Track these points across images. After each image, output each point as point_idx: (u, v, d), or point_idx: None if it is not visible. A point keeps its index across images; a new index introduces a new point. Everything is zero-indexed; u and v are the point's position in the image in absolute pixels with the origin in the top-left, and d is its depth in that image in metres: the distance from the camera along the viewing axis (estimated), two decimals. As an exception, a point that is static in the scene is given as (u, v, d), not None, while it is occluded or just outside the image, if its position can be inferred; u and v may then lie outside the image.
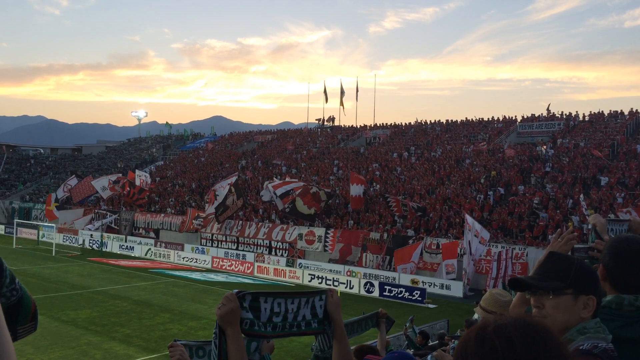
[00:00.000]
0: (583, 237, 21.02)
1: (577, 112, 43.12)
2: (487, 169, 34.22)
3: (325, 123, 59.84)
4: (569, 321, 1.83)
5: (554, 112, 44.12)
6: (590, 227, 3.00)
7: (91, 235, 42.55)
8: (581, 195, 26.08)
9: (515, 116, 45.88)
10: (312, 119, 63.56)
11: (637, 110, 40.63)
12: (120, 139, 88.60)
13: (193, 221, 37.45)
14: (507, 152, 35.90)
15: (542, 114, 44.60)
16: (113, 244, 40.52)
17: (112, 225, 43.93)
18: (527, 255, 25.02)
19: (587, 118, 41.79)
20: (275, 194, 34.47)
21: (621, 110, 41.28)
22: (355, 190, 33.51)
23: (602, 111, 42.29)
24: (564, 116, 42.92)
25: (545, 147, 35.72)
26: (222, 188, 36.51)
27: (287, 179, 37.04)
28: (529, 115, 45.17)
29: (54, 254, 36.87)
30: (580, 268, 1.89)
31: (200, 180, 46.71)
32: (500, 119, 46.37)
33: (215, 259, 34.48)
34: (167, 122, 78.12)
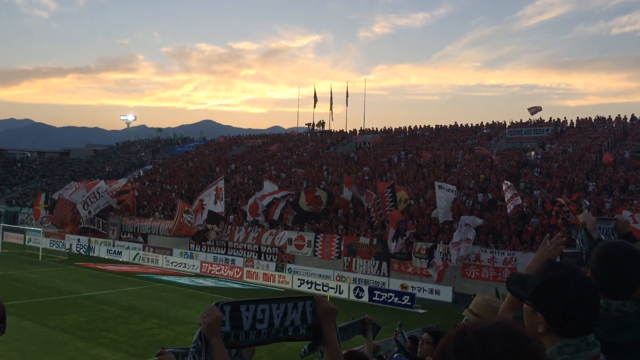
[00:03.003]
0: (571, 242, 21.15)
1: (565, 117, 43.56)
2: (477, 173, 34.40)
3: (315, 128, 59.89)
4: (531, 329, 1.82)
5: (542, 118, 44.50)
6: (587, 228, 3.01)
7: (78, 239, 42.19)
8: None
9: (505, 121, 46.23)
10: (302, 124, 63.61)
11: (624, 116, 41.14)
12: (109, 143, 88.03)
13: (183, 214, 36.98)
14: (494, 158, 36.11)
15: (530, 119, 44.94)
16: (101, 249, 40.21)
17: (96, 226, 43.34)
18: (515, 260, 25.17)
19: (575, 124, 42.21)
20: (262, 205, 34.11)
21: (609, 116, 41.79)
22: (347, 194, 33.60)
23: (590, 117, 42.72)
24: (553, 122, 43.31)
25: (534, 152, 35.99)
26: (209, 196, 36.24)
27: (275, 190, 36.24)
28: (518, 120, 45.52)
29: (40, 259, 36.51)
30: (544, 285, 1.80)
31: (190, 184, 46.52)
32: (490, 124, 46.70)
33: (204, 264, 34.33)
34: (158, 128, 77.86)
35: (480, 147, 38.97)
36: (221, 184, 36.17)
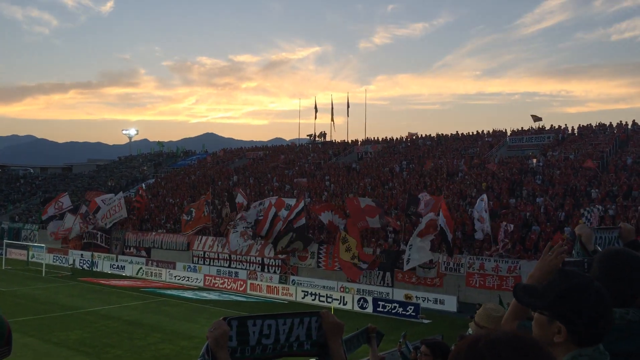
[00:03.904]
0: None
1: (565, 125, 43.61)
2: (479, 182, 34.38)
3: (317, 139, 59.98)
4: (544, 339, 1.81)
5: (543, 125, 44.55)
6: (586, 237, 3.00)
7: (81, 255, 42.15)
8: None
9: (506, 129, 46.28)
10: (304, 135, 63.73)
11: (625, 122, 41.15)
12: (111, 157, 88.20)
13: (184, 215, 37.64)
14: (490, 167, 36.09)
15: (531, 127, 45.02)
16: (104, 264, 40.16)
17: (99, 241, 43.30)
18: (520, 268, 25.06)
19: (576, 131, 42.23)
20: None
21: (610, 122, 41.81)
22: (326, 217, 30.95)
23: (591, 124, 42.75)
24: (554, 129, 43.35)
25: (536, 159, 35.98)
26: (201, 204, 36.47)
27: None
28: (519, 128, 45.56)
29: (44, 275, 36.46)
30: (566, 293, 1.80)
31: (193, 198, 46.50)
32: (491, 132, 46.74)
33: (207, 277, 34.23)
34: (159, 142, 78.03)
35: (487, 160, 38.79)
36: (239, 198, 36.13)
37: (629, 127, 40.32)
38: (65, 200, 45.79)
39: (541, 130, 43.78)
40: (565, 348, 1.77)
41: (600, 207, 25.82)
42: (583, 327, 1.75)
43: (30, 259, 42.58)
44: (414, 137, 50.37)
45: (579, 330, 1.76)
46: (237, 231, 31.95)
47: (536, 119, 44.04)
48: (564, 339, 1.77)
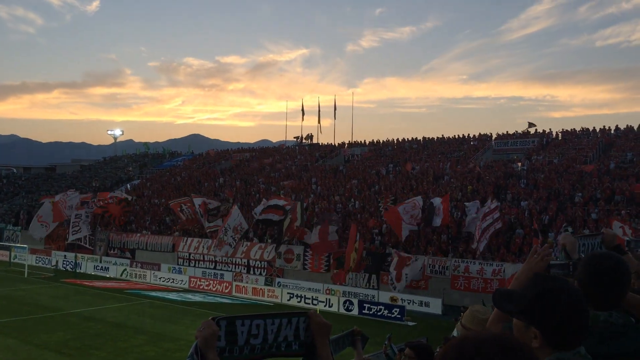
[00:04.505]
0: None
1: (550, 129, 44.05)
2: (464, 185, 34.59)
3: (304, 141, 59.94)
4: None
5: (528, 130, 45.00)
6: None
7: (64, 256, 41.69)
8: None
9: (491, 133, 46.67)
10: (291, 137, 63.67)
11: (609, 127, 41.69)
12: (96, 157, 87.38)
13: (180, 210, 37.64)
14: (474, 169, 36.37)
15: (516, 131, 45.51)
16: (87, 265, 39.76)
17: (82, 242, 42.95)
18: (504, 271, 25.26)
19: (560, 136, 42.69)
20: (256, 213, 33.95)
21: (594, 127, 42.32)
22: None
23: (575, 129, 43.22)
24: (538, 133, 43.78)
25: (520, 163, 36.30)
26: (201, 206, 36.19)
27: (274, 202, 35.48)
28: (505, 132, 45.98)
29: (26, 276, 36.00)
30: (537, 298, 1.79)
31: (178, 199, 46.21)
32: (477, 136, 47.07)
33: (192, 279, 34.04)
34: (145, 143, 77.44)
35: (473, 163, 39.17)
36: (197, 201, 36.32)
37: (612, 132, 40.86)
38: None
39: (526, 134, 44.23)
40: (544, 352, 1.77)
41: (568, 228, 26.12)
42: (555, 332, 1.74)
43: (12, 260, 42.01)
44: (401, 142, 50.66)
45: (552, 334, 1.75)
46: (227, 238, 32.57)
47: (531, 125, 44.92)
48: (539, 344, 1.77)
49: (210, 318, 2.13)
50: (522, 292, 1.87)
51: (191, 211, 37.16)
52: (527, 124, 45.07)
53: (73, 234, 41.84)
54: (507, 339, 1.35)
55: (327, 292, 29.45)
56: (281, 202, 33.08)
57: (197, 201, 36.46)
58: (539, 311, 1.77)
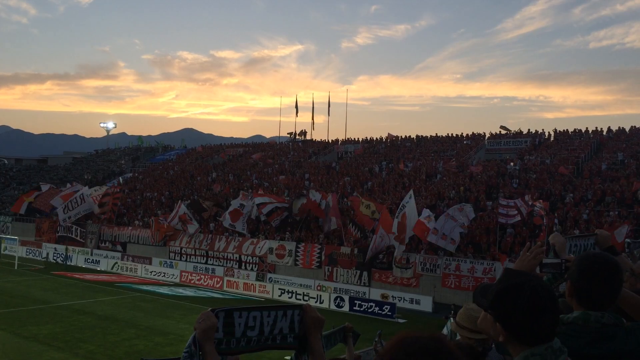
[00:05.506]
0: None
1: (543, 130, 44.21)
2: (457, 184, 34.68)
3: (297, 137, 59.86)
4: (495, 338, 1.85)
5: (501, 132, 45.34)
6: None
7: (55, 248, 41.51)
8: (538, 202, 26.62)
9: (484, 133, 46.78)
10: (284, 133, 63.47)
11: (601, 129, 41.90)
12: (88, 150, 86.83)
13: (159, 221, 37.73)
14: (473, 169, 36.44)
15: (509, 131, 45.64)
16: (78, 258, 39.60)
17: (74, 234, 42.79)
18: (495, 270, 25.38)
19: (552, 136, 42.87)
20: (255, 204, 34.27)
21: (586, 128, 42.52)
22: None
23: (567, 130, 43.42)
24: (531, 134, 43.93)
25: (513, 163, 36.44)
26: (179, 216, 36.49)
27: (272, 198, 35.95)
28: (498, 132, 46.09)
29: (16, 267, 35.83)
30: (499, 293, 1.80)
31: (171, 193, 46.11)
32: (470, 135, 47.17)
33: (183, 273, 33.99)
34: (139, 137, 77.07)
35: (451, 160, 39.37)
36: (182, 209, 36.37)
37: (604, 133, 41.07)
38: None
39: (519, 134, 44.37)
40: (516, 348, 1.77)
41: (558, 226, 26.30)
42: (517, 327, 1.74)
43: (2, 252, 41.81)
44: (394, 138, 50.62)
45: (514, 330, 1.75)
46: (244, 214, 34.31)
47: (504, 128, 45.43)
48: (504, 338, 1.78)
49: (209, 309, 2.14)
50: (493, 287, 1.89)
51: (165, 219, 37.25)
52: (500, 127, 45.65)
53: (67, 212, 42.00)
54: (442, 342, 1.44)
55: (319, 288, 29.50)
56: (267, 199, 34.18)
57: (181, 210, 36.42)
58: (501, 306, 1.78)
